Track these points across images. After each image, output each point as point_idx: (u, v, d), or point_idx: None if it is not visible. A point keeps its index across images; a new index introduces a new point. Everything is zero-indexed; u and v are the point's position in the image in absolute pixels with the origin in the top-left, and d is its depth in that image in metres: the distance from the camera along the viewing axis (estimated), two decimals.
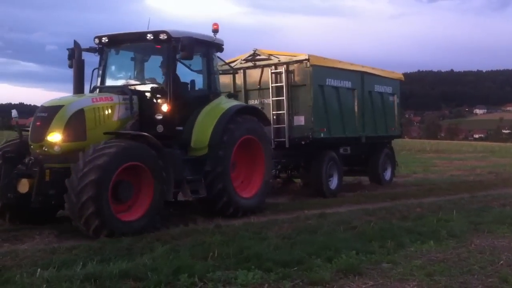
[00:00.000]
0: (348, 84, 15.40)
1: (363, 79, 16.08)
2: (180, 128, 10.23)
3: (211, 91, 11.08)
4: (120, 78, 11.10)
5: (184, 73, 10.70)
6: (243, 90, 14.79)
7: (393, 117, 18.00)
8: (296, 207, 11.82)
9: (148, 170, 8.90)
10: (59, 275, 5.81)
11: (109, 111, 9.55)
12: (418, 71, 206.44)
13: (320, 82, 14.25)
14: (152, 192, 8.97)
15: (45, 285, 5.46)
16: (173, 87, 10.00)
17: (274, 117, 14.19)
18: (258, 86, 14.67)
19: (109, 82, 10.82)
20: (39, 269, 6.02)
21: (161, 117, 9.81)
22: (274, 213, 11.10)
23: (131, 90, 10.16)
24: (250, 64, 14.77)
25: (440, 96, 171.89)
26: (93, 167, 8.16)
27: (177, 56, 10.14)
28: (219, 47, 11.45)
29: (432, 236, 8.21)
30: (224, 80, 14.25)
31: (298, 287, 5.76)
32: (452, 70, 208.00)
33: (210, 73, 11.12)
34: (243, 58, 14.84)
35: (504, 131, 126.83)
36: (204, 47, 10.90)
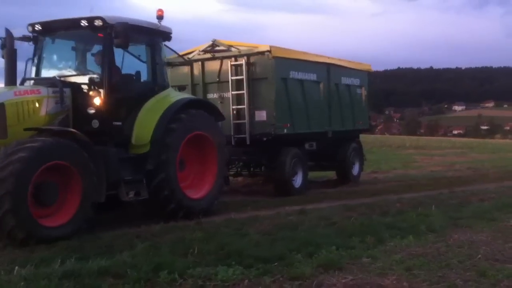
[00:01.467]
0: (313, 76, 14.72)
1: (329, 71, 15.41)
2: (119, 123, 9.36)
3: (156, 84, 10.20)
4: (59, 69, 10.13)
5: (131, 64, 10.10)
6: (201, 83, 14.04)
7: (361, 110, 17.32)
8: (277, 204, 11.80)
9: (75, 170, 8.08)
10: (37, 272, 5.76)
11: (36, 105, 8.66)
12: (398, 68, 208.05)
13: (283, 75, 13.57)
14: (80, 194, 8.16)
15: (22, 283, 5.40)
16: (109, 79, 9.16)
17: (234, 112, 13.49)
18: (217, 79, 13.85)
19: (45, 74, 9.89)
20: (16, 267, 5.95)
21: (93, 111, 9.01)
22: (255, 209, 11.09)
23: (63, 82, 9.25)
24: (209, 55, 13.97)
25: (420, 93, 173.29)
26: (12, 161, 7.44)
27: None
28: (166, 35, 10.50)
29: (411, 231, 8.26)
30: (182, 72, 13.81)
31: (278, 283, 5.76)
32: (431, 67, 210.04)
33: (155, 64, 10.22)
34: (201, 49, 14.04)
35: (483, 127, 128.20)
36: (147, 36, 10.12)
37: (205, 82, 14.08)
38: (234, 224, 9.03)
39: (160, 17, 10.17)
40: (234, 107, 13.53)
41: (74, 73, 9.93)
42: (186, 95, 11.19)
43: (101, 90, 9.14)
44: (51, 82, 9.19)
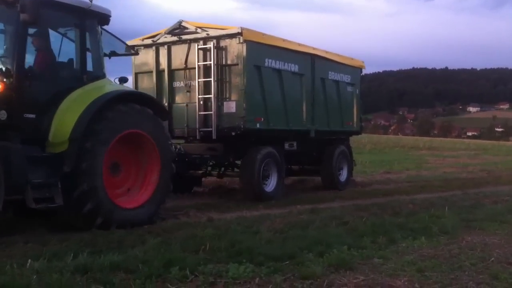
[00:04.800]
0: (294, 67, 13.20)
1: (314, 63, 13.95)
2: (31, 115, 8.05)
3: (85, 72, 8.76)
4: None
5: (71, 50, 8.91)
6: (166, 70, 12.73)
7: (351, 110, 15.80)
8: (289, 202, 11.80)
9: None
10: (49, 266, 5.79)
11: None
12: (413, 68, 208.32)
13: (256, 62, 12.08)
14: None
15: (35, 276, 5.42)
16: (19, 63, 7.87)
17: (201, 102, 12.15)
18: (184, 65, 12.47)
19: None
20: (29, 260, 5.97)
21: None
22: (266, 207, 11.09)
23: None
24: (175, 38, 12.58)
25: (434, 93, 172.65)
26: None
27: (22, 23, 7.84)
28: (102, 17, 9.11)
29: (423, 232, 8.22)
30: (146, 57, 12.77)
31: (289, 281, 5.74)
32: (446, 68, 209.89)
33: (85, 50, 8.81)
34: (167, 31, 12.69)
35: (497, 129, 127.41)
36: (73, 16, 8.65)
37: (171, 68, 12.74)
38: (246, 221, 9.02)
39: None
40: (200, 96, 12.19)
41: None
42: (122, 86, 9.53)
43: (9, 77, 7.86)
44: None
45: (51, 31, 8.97)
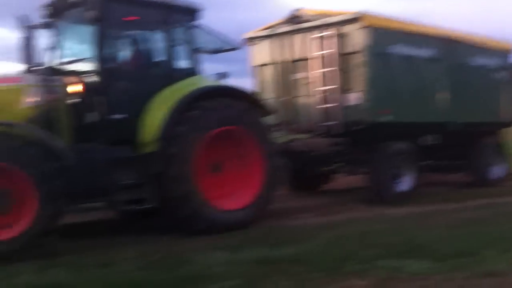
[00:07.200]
0: (427, 53, 11.91)
1: (451, 47, 12.43)
2: (118, 116, 7.87)
3: (174, 70, 8.54)
4: (78, 57, 8.68)
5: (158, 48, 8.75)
6: (284, 61, 11.97)
7: (498, 99, 13.93)
8: (460, 198, 11.28)
9: (22, 173, 6.62)
10: (233, 257, 6.15)
11: (13, 96, 7.31)
12: None
13: (381, 49, 11.00)
14: (36, 207, 6.66)
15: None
16: (103, 64, 7.86)
17: (322, 94, 11.25)
18: (303, 56, 11.60)
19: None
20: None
21: (77, 101, 7.70)
22: (438, 202, 10.72)
23: (55, 70, 8.03)
24: (292, 28, 11.76)
25: None
26: None
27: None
28: (191, 12, 8.76)
29: None
30: (264, 49, 12.17)
31: (471, 280, 5.48)
32: None
33: (171, 47, 8.56)
34: (282, 22, 11.92)
35: None
36: (158, 13, 8.40)
37: (289, 59, 11.88)
38: (419, 217, 8.85)
39: None
40: (321, 88, 11.25)
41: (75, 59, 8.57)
42: (215, 82, 9.04)
43: (96, 77, 7.91)
44: (44, 70, 7.86)
45: (137, 30, 8.84)
